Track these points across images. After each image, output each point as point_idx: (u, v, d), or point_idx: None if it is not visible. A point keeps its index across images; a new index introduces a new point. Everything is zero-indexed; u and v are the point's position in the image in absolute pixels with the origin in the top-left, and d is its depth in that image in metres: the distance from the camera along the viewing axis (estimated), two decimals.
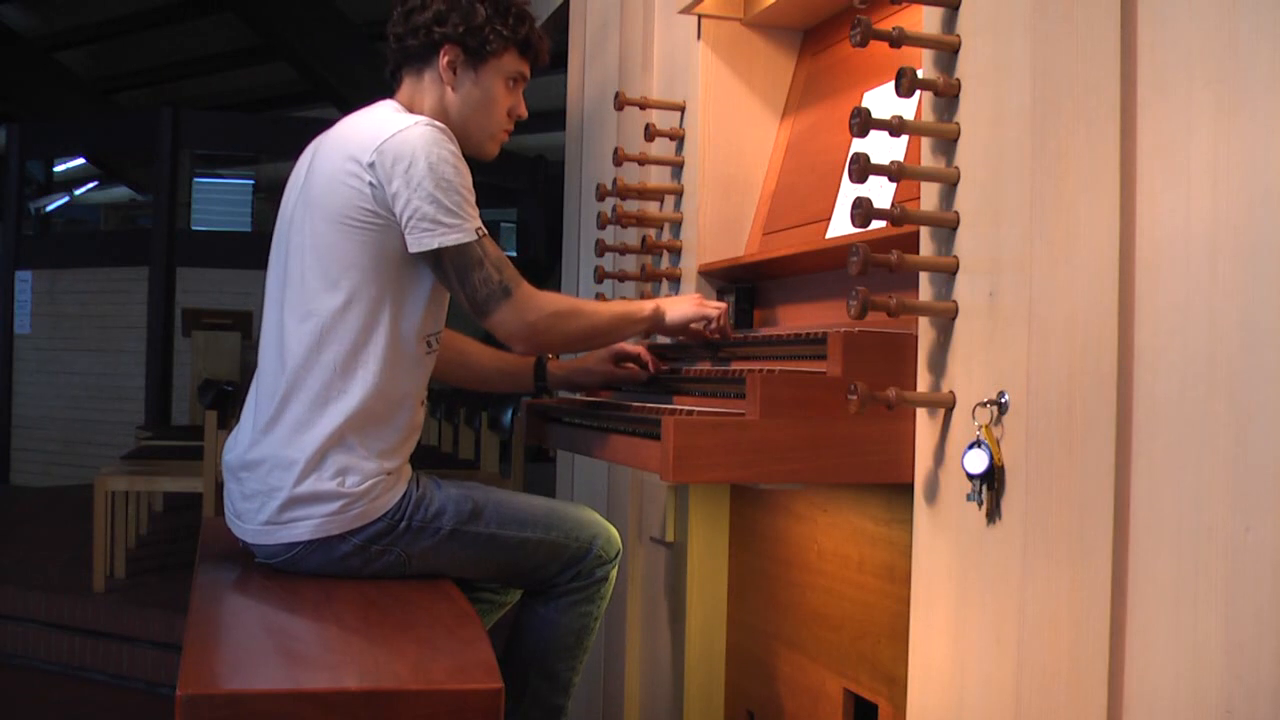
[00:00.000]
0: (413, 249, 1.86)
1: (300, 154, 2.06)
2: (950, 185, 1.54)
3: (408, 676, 1.47)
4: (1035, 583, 1.40)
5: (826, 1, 2.28)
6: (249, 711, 1.38)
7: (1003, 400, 1.43)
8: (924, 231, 1.58)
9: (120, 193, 14.08)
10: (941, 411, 1.55)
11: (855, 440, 1.65)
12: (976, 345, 1.49)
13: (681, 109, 2.49)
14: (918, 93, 1.65)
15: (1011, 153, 1.43)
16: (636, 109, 2.60)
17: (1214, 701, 1.25)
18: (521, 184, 10.33)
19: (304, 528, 1.88)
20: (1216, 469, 1.26)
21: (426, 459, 4.55)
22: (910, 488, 1.63)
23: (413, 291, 1.93)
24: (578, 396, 2.52)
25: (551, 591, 2.10)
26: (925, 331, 1.59)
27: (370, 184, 1.85)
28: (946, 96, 1.54)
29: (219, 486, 2.95)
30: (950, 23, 1.55)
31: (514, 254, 10.44)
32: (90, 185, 13.75)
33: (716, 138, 2.40)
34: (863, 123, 1.54)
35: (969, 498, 1.45)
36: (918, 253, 1.59)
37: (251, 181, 12.90)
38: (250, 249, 7.22)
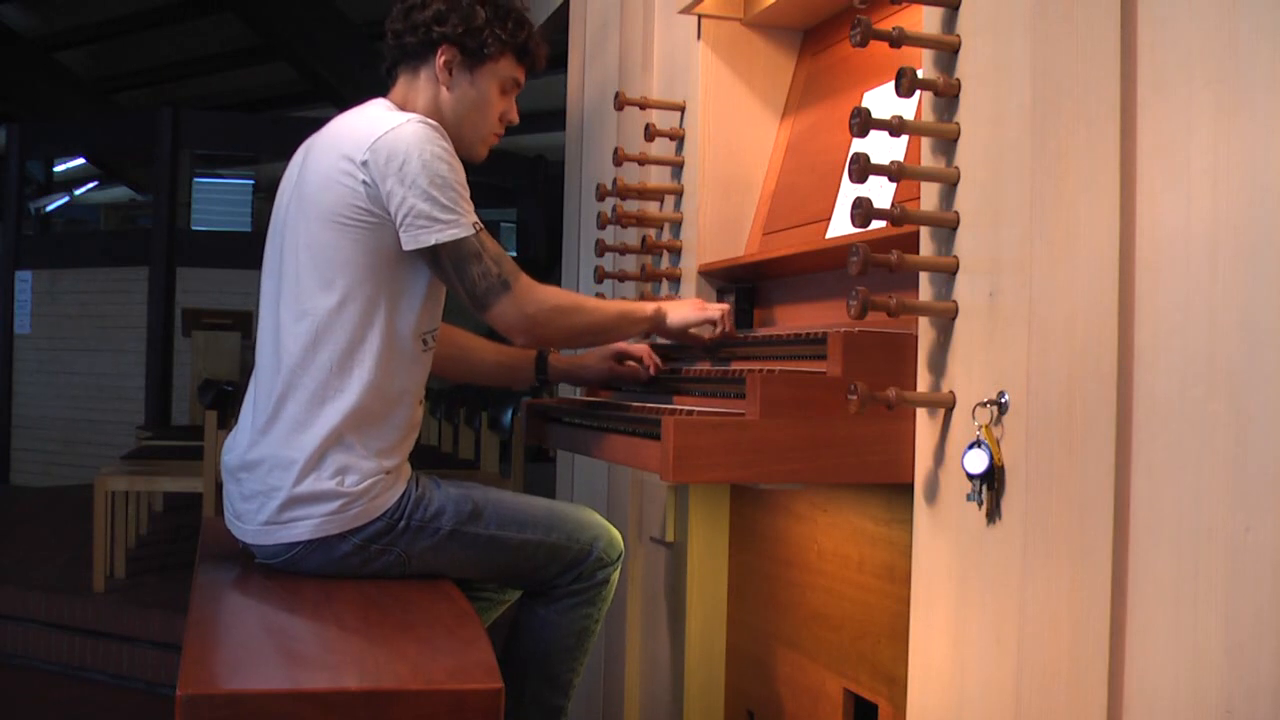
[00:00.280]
0: (410, 246, 1.86)
1: (293, 153, 2.06)
2: (950, 185, 1.54)
3: (408, 676, 1.47)
4: (1035, 583, 1.40)
5: (826, 1, 2.28)
6: (249, 711, 1.38)
7: (1003, 400, 1.43)
8: (924, 231, 1.58)
9: (120, 193, 14.08)
10: (941, 411, 1.55)
11: (855, 440, 1.65)
12: (976, 345, 1.49)
13: (681, 109, 2.49)
14: (918, 93, 1.65)
15: (1011, 153, 1.43)
16: (636, 109, 2.60)
17: (1214, 701, 1.25)
18: (521, 184, 10.33)
19: (303, 528, 1.88)
20: (1216, 469, 1.26)
21: (426, 459, 4.55)
22: (910, 488, 1.63)
23: (408, 289, 1.92)
24: (578, 396, 2.52)
25: (552, 593, 2.10)
26: (925, 331, 1.59)
27: (364, 182, 1.84)
28: (946, 96, 1.54)
29: (219, 486, 2.95)
30: (950, 23, 1.55)
31: (514, 254, 10.44)
32: (90, 185, 13.75)
33: (716, 138, 2.40)
34: (863, 123, 1.54)
35: (969, 498, 1.45)
36: (918, 253, 1.59)
37: (251, 181, 12.90)
38: (250, 249, 7.20)
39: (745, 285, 2.36)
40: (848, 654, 1.99)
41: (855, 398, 1.48)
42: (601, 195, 2.57)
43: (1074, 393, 1.39)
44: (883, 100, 2.01)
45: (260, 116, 11.36)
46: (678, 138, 2.49)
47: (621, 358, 2.25)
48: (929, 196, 1.58)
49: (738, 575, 2.44)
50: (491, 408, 4.58)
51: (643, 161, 2.52)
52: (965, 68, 1.52)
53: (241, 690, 1.42)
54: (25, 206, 9.89)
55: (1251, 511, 1.22)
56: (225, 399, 4.45)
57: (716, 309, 2.13)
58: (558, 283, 3.46)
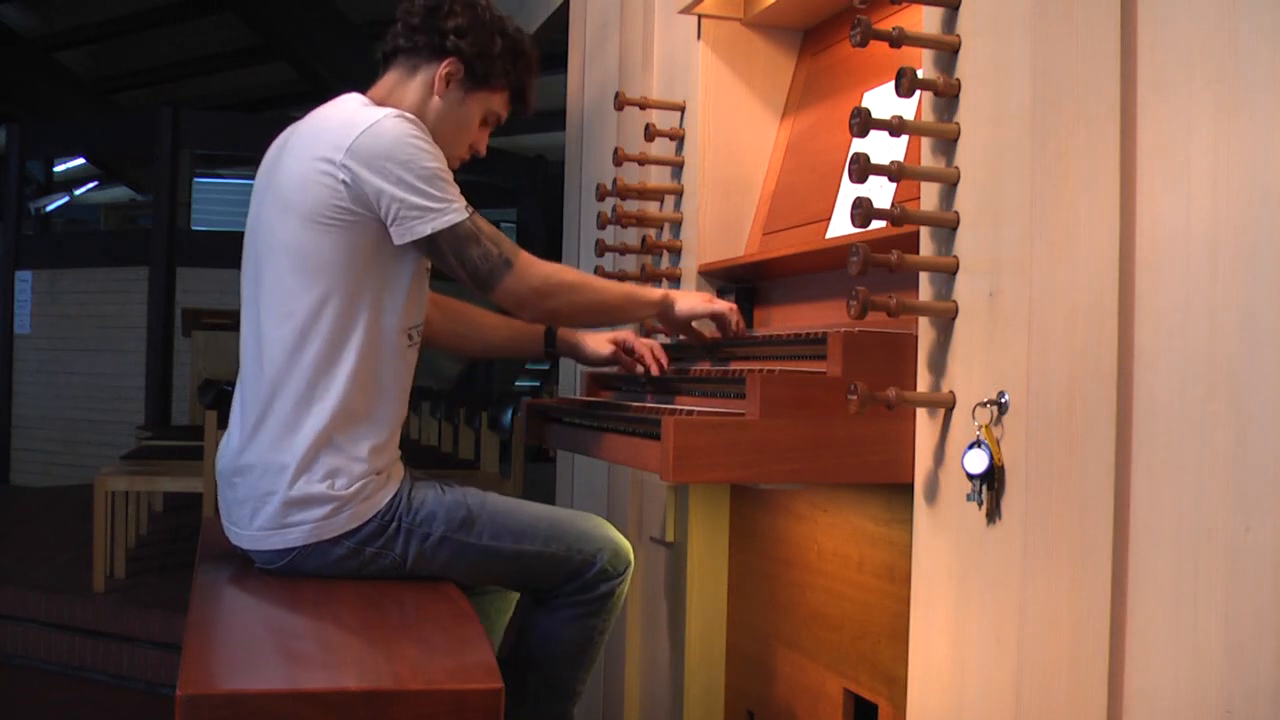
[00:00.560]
0: (404, 239, 1.85)
1: (268, 151, 2.04)
2: (950, 185, 1.54)
3: (408, 676, 1.47)
4: (1035, 583, 1.40)
5: (826, 1, 2.28)
6: (249, 711, 1.38)
7: (1003, 400, 1.43)
8: (924, 231, 1.58)
9: (120, 193, 14.08)
10: (941, 411, 1.55)
11: (855, 440, 1.65)
12: (976, 345, 1.49)
13: (681, 109, 2.49)
14: (918, 93, 1.65)
15: (1011, 153, 1.43)
16: (636, 109, 2.60)
17: (1214, 701, 1.25)
18: (521, 184, 10.32)
19: (297, 533, 1.87)
20: (1216, 469, 1.26)
21: (426, 459, 4.55)
22: (910, 488, 1.63)
23: (391, 285, 1.91)
24: (578, 396, 2.52)
25: (552, 602, 2.07)
26: (925, 331, 1.59)
27: (344, 182, 1.83)
28: (946, 96, 1.54)
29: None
30: (950, 23, 1.55)
31: None
32: (90, 185, 13.74)
33: (716, 138, 2.40)
34: (863, 123, 1.54)
35: (969, 498, 1.45)
36: (918, 253, 1.59)
37: (251, 181, 12.86)
38: None
39: (745, 285, 2.36)
40: (848, 654, 1.99)
41: (855, 398, 1.48)
42: (601, 195, 2.57)
43: (1074, 393, 1.39)
44: (883, 100, 2.01)
45: (260, 116, 11.35)
46: (678, 138, 2.49)
47: (624, 347, 2.24)
48: (929, 196, 1.58)
49: (738, 575, 2.44)
50: (491, 408, 4.57)
51: (643, 161, 2.52)
52: (965, 68, 1.52)
53: (241, 690, 1.42)
54: (25, 206, 9.89)
55: (1251, 511, 1.22)
56: (225, 399, 4.44)
57: (724, 304, 2.13)
58: None
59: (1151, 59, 1.37)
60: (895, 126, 1.53)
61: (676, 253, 2.48)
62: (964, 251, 1.51)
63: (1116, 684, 1.38)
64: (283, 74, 11.34)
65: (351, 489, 1.88)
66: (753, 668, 2.36)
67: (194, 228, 9.31)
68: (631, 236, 2.67)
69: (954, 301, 1.53)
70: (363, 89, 2.03)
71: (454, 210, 1.85)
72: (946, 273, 1.54)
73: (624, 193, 2.50)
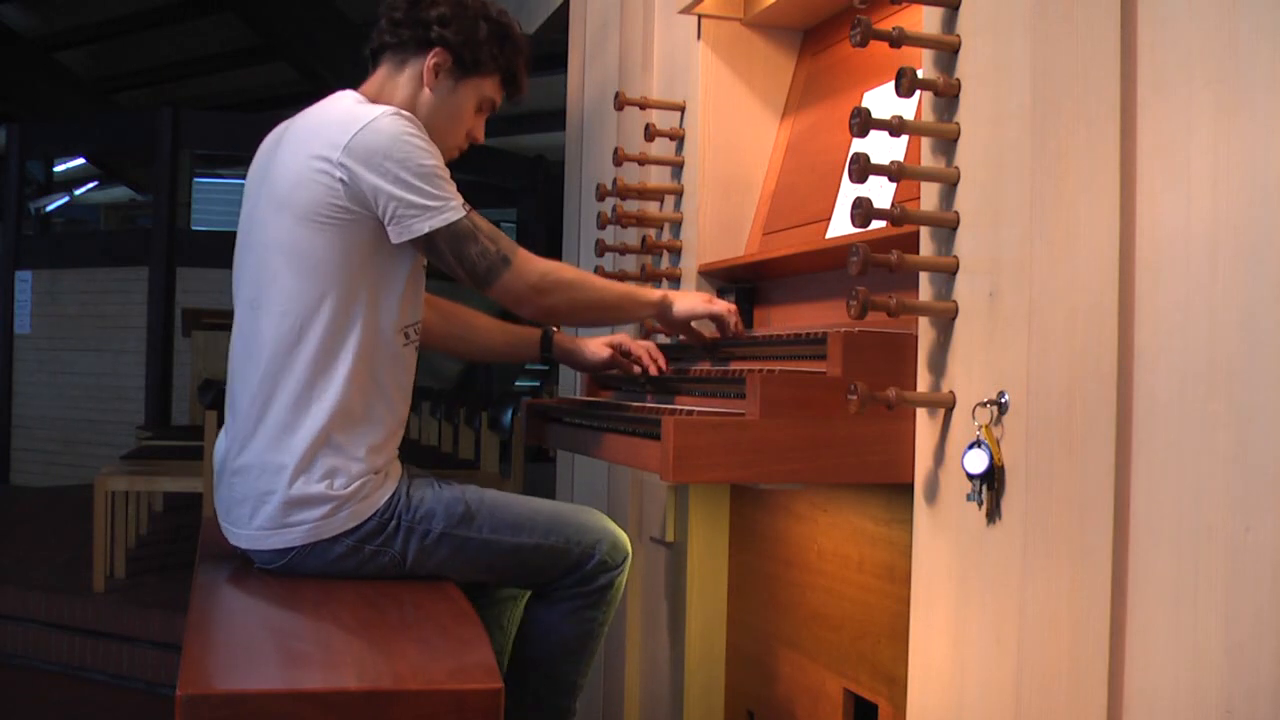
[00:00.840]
0: (402, 238, 1.85)
1: (260, 149, 2.04)
2: (950, 185, 1.54)
3: (407, 676, 1.47)
4: (1035, 583, 1.40)
5: (826, 1, 2.28)
6: (249, 711, 1.38)
7: (1003, 400, 1.43)
8: (924, 231, 1.58)
9: (120, 193, 14.07)
10: (941, 411, 1.55)
11: (855, 440, 1.65)
12: (976, 345, 1.49)
13: (681, 109, 2.49)
14: (918, 93, 1.65)
15: (1011, 153, 1.43)
16: (636, 109, 2.60)
17: (1214, 701, 1.25)
18: (521, 184, 10.32)
19: (296, 533, 1.87)
20: (1216, 469, 1.26)
21: (426, 459, 4.54)
22: (910, 488, 1.63)
23: (388, 284, 1.91)
24: (578, 396, 2.52)
25: (552, 595, 2.08)
26: (925, 331, 1.59)
27: (341, 180, 1.83)
28: (946, 96, 1.54)
29: None
30: (950, 23, 1.55)
31: None
32: (90, 185, 13.73)
33: (716, 138, 2.40)
34: (863, 123, 1.54)
35: (969, 498, 1.45)
36: (918, 253, 1.59)
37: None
38: None
39: (745, 285, 2.36)
40: (848, 654, 1.99)
41: (855, 398, 1.48)
42: (601, 195, 2.57)
43: (1074, 393, 1.39)
44: (883, 100, 2.01)
45: (260, 116, 11.35)
46: (678, 138, 2.49)
47: (622, 350, 2.24)
48: (929, 196, 1.58)
49: (738, 575, 2.44)
50: (491, 408, 4.57)
51: (643, 161, 2.52)
52: (965, 68, 1.52)
53: (241, 690, 1.42)
54: (25, 206, 9.89)
55: (1251, 511, 1.22)
56: (225, 399, 4.44)
57: (723, 304, 2.13)
58: None
59: (1151, 59, 1.37)
60: (895, 126, 1.53)
61: (676, 253, 2.48)
62: (964, 251, 1.51)
63: (1116, 684, 1.38)
64: (283, 74, 11.34)
65: (350, 488, 1.88)
66: (753, 668, 2.36)
67: (194, 228, 9.31)
68: (631, 236, 2.67)
69: (954, 301, 1.53)
70: (357, 87, 2.02)
71: (451, 208, 1.85)
72: (946, 273, 1.54)
73: (624, 193, 2.50)
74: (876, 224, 1.53)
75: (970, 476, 1.44)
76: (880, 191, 1.89)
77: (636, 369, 2.20)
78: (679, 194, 2.49)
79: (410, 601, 1.84)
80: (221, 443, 2.02)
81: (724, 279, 2.39)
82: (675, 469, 1.62)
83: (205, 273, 7.93)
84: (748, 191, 2.42)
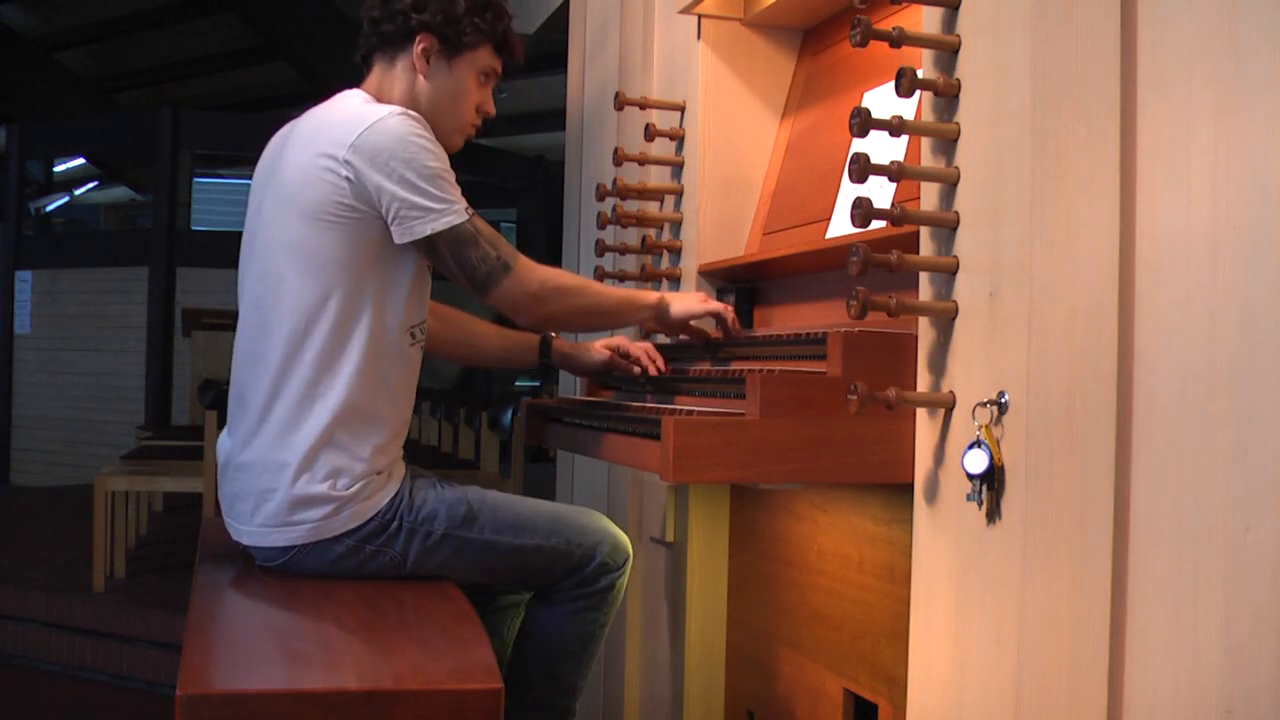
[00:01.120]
0: (404, 239, 1.85)
1: (266, 148, 2.04)
2: (950, 185, 1.54)
3: (408, 676, 1.47)
4: (1035, 583, 1.40)
5: (826, 1, 2.28)
6: (249, 711, 1.38)
7: (1003, 400, 1.43)
8: (924, 231, 1.58)
9: (120, 193, 14.07)
10: (941, 411, 1.55)
11: (855, 440, 1.65)
12: (976, 345, 1.49)
13: (681, 109, 2.49)
14: (918, 93, 1.65)
15: (1011, 153, 1.43)
16: (636, 109, 2.60)
17: (1214, 701, 1.25)
18: (521, 184, 10.32)
19: (298, 532, 1.87)
20: (1216, 469, 1.26)
21: (426, 459, 4.54)
22: (910, 488, 1.63)
23: (394, 283, 1.91)
24: (578, 396, 2.52)
25: (553, 596, 2.08)
26: (925, 331, 1.59)
27: (347, 179, 1.83)
28: (946, 96, 1.54)
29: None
30: (950, 23, 1.55)
31: None
32: (90, 185, 13.73)
33: (716, 138, 2.40)
34: (863, 123, 1.54)
35: (969, 498, 1.45)
36: (918, 253, 1.59)
37: (251, 181, 12.82)
38: None
39: (745, 285, 2.36)
40: (848, 654, 1.99)
41: (855, 398, 1.48)
42: (601, 195, 2.57)
43: (1074, 393, 1.39)
44: (883, 100, 2.01)
45: (260, 116, 11.34)
46: (678, 138, 2.49)
47: (621, 352, 2.24)
48: (929, 196, 1.58)
49: (738, 575, 2.44)
50: (491, 408, 4.57)
51: (643, 161, 2.52)
52: (965, 68, 1.52)
53: (241, 690, 1.42)
54: (25, 206, 9.89)
55: (1251, 511, 1.22)
56: (225, 399, 4.43)
57: (719, 304, 2.13)
58: None
59: (1151, 59, 1.37)
60: (895, 126, 1.53)
61: (676, 253, 2.48)
62: (964, 251, 1.51)
63: (1116, 684, 1.38)
64: (283, 74, 11.34)
65: (353, 489, 1.88)
66: (753, 668, 2.36)
67: (194, 228, 9.30)
68: (631, 236, 2.67)
69: (954, 301, 1.53)
70: (359, 86, 2.02)
71: (454, 211, 1.85)
72: (946, 273, 1.54)
73: (624, 193, 2.50)
74: (876, 224, 1.53)
75: (970, 476, 1.44)
76: (880, 191, 1.89)
77: (636, 369, 2.21)
78: (679, 194, 2.49)
79: (410, 602, 1.84)
80: (225, 440, 2.02)
81: (724, 279, 2.39)
82: (675, 469, 1.62)
83: (205, 273, 7.93)
84: (748, 191, 2.42)
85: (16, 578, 4.68)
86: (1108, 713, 1.38)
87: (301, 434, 1.86)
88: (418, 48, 1.98)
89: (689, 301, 2.13)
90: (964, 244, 1.51)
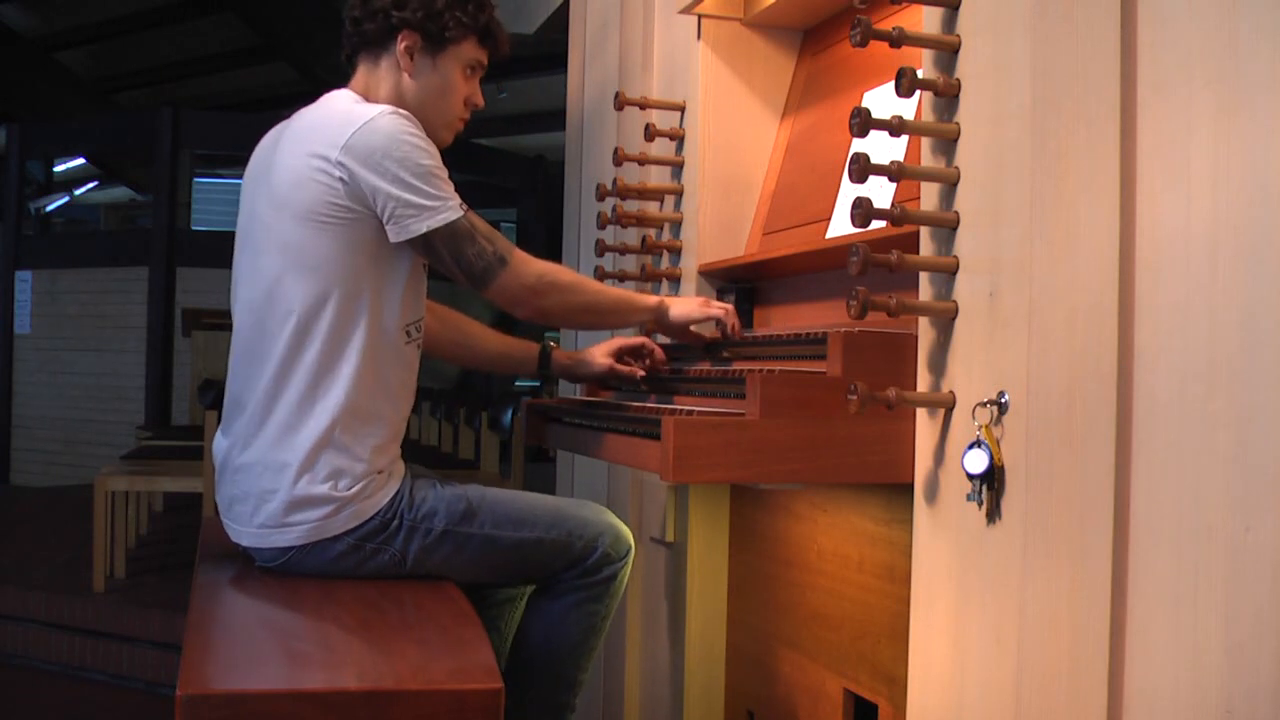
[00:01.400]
0: (400, 238, 1.85)
1: (256, 150, 2.03)
2: (950, 185, 1.54)
3: (408, 676, 1.47)
4: (1035, 583, 1.40)
5: (826, 1, 2.28)
6: (249, 711, 1.38)
7: (1003, 400, 1.43)
8: (924, 231, 1.58)
9: (120, 193, 14.07)
10: (941, 411, 1.55)
11: (855, 440, 1.65)
12: (976, 345, 1.49)
13: (681, 109, 2.49)
14: (918, 93, 1.65)
15: (1011, 153, 1.43)
16: (636, 109, 2.60)
17: (1214, 701, 1.25)
18: (521, 184, 10.32)
19: (297, 532, 1.87)
20: (1216, 469, 1.26)
21: (426, 459, 4.53)
22: (910, 488, 1.63)
23: (390, 282, 1.91)
24: (578, 396, 2.52)
25: (556, 588, 2.08)
26: (925, 331, 1.59)
27: (341, 180, 1.83)
28: (946, 96, 1.54)
29: None
30: (950, 23, 1.55)
31: None
32: (90, 185, 13.73)
33: (716, 138, 2.40)
34: (863, 123, 1.54)
35: (969, 498, 1.45)
36: (918, 253, 1.59)
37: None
38: None
39: (745, 285, 2.36)
40: (848, 654, 1.99)
41: (855, 398, 1.48)
42: (601, 195, 2.57)
43: (1074, 393, 1.39)
44: (883, 100, 2.01)
45: (260, 116, 11.33)
46: (678, 138, 2.49)
47: (622, 355, 2.24)
48: (929, 196, 1.58)
49: (738, 575, 2.44)
50: (491, 408, 4.57)
51: (643, 161, 2.52)
52: (965, 68, 1.52)
53: (241, 690, 1.42)
54: (25, 206, 9.89)
55: (1251, 511, 1.22)
56: (224, 397, 4.43)
57: (720, 307, 2.13)
58: None
59: (1151, 59, 1.37)
60: (895, 126, 1.53)
61: (676, 253, 2.48)
62: (964, 251, 1.51)
63: (1116, 684, 1.38)
64: (283, 74, 11.34)
65: (354, 489, 1.88)
66: (753, 668, 2.36)
67: (194, 228, 9.30)
68: (631, 236, 2.67)
69: (954, 301, 1.53)
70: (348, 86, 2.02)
71: (449, 208, 1.86)
72: (946, 273, 1.54)
73: (624, 193, 2.50)
74: (876, 224, 1.53)
75: (970, 476, 1.44)
76: (880, 191, 1.89)
77: (641, 372, 2.21)
78: (679, 194, 2.49)
79: (411, 602, 1.84)
80: (221, 441, 2.01)
81: (724, 279, 2.39)
82: (675, 469, 1.62)
83: (205, 273, 7.93)
84: (748, 191, 2.42)
85: (16, 578, 4.68)
86: (1108, 713, 1.38)
87: (302, 435, 1.86)
88: (401, 45, 1.98)
89: (689, 305, 2.13)
90: (964, 244, 1.51)
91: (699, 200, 2.40)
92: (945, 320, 1.54)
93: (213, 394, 4.60)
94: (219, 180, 12.87)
